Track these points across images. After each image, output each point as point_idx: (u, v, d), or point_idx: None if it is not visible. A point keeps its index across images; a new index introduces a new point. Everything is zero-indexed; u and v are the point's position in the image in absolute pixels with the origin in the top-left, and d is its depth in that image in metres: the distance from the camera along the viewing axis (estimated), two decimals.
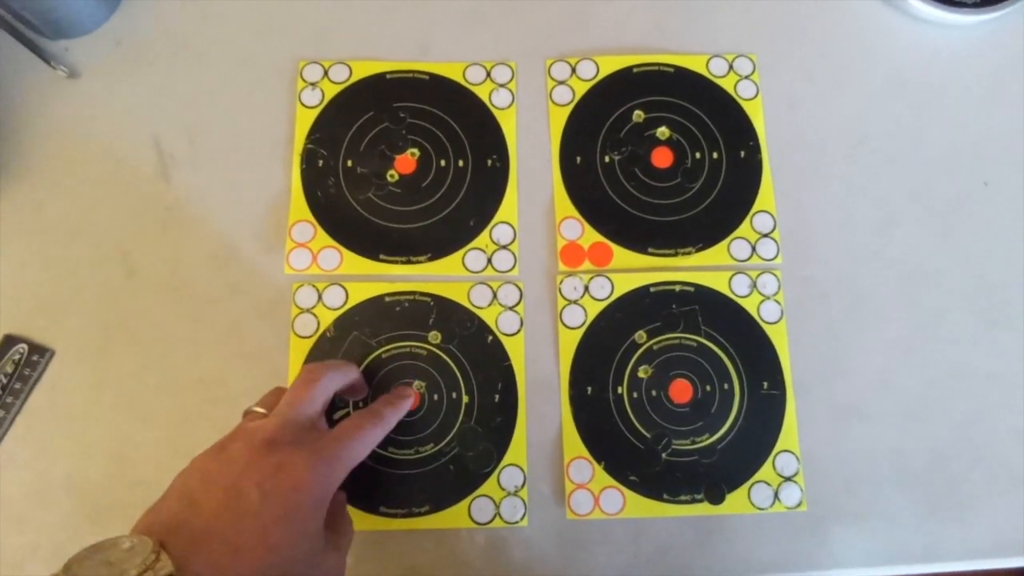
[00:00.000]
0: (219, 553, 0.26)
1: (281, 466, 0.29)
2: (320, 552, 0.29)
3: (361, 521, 0.37)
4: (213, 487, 0.28)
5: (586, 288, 0.41)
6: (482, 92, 0.44)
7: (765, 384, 0.40)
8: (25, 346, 0.39)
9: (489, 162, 0.43)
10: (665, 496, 0.38)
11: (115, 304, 0.40)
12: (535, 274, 0.41)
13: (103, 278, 0.41)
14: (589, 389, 0.40)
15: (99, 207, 0.42)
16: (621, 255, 0.41)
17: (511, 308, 0.40)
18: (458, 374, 0.39)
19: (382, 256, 0.41)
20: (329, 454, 0.30)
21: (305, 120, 0.43)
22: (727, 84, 0.44)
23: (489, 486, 0.38)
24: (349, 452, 0.31)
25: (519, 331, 0.40)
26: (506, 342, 0.40)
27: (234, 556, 0.26)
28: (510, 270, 0.41)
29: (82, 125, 0.43)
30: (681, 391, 0.40)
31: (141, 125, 0.43)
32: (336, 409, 0.39)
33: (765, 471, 0.39)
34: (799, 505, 0.38)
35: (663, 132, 0.43)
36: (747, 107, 0.44)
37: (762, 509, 0.38)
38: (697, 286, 0.41)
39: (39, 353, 0.39)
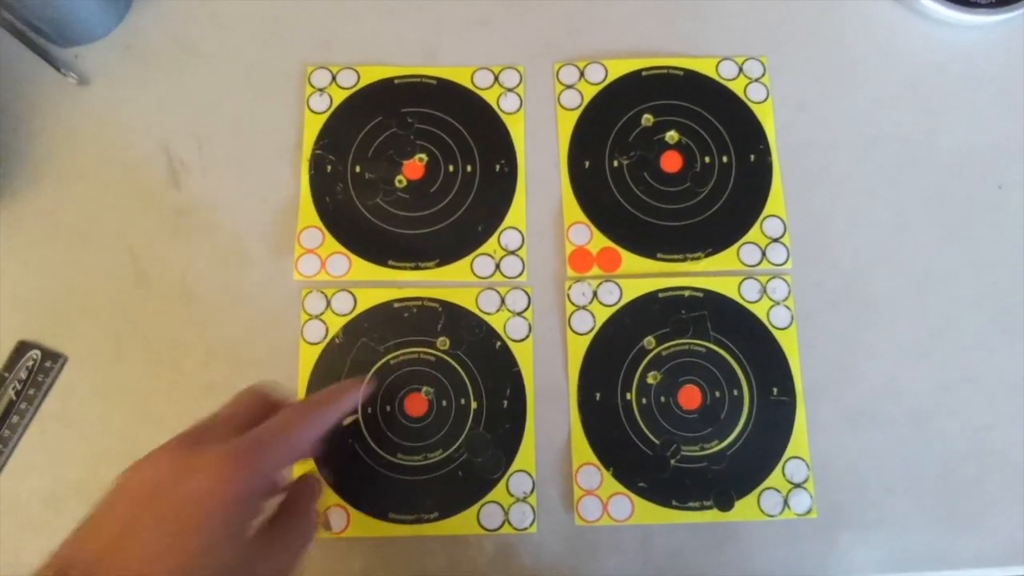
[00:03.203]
0: (132, 568, 0.25)
1: (188, 472, 0.27)
2: (254, 558, 0.28)
3: (370, 527, 0.38)
4: (111, 509, 0.27)
5: (595, 294, 0.41)
6: (490, 96, 0.44)
7: (775, 390, 0.40)
8: (38, 352, 0.39)
9: (497, 167, 0.43)
10: (674, 503, 0.38)
11: (126, 310, 0.41)
12: (543, 280, 0.41)
13: (114, 284, 0.41)
14: (598, 395, 0.39)
15: (110, 213, 0.42)
16: (630, 260, 0.41)
17: (519, 314, 0.40)
18: (466, 380, 0.40)
19: (390, 262, 0.41)
20: (249, 455, 0.28)
21: (313, 126, 0.43)
22: (737, 87, 0.44)
23: (498, 492, 0.38)
24: (274, 451, 0.29)
25: (527, 337, 0.40)
26: (514, 348, 0.40)
27: (149, 566, 0.25)
28: (518, 276, 0.41)
29: (92, 131, 0.43)
30: (690, 397, 0.39)
31: (151, 131, 0.43)
32: None
33: (775, 478, 0.38)
34: (809, 512, 0.38)
35: (672, 136, 0.43)
36: (757, 110, 0.43)
37: (772, 516, 0.38)
38: (706, 291, 0.41)
39: (52, 359, 0.39)
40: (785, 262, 0.41)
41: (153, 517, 0.26)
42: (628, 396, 0.39)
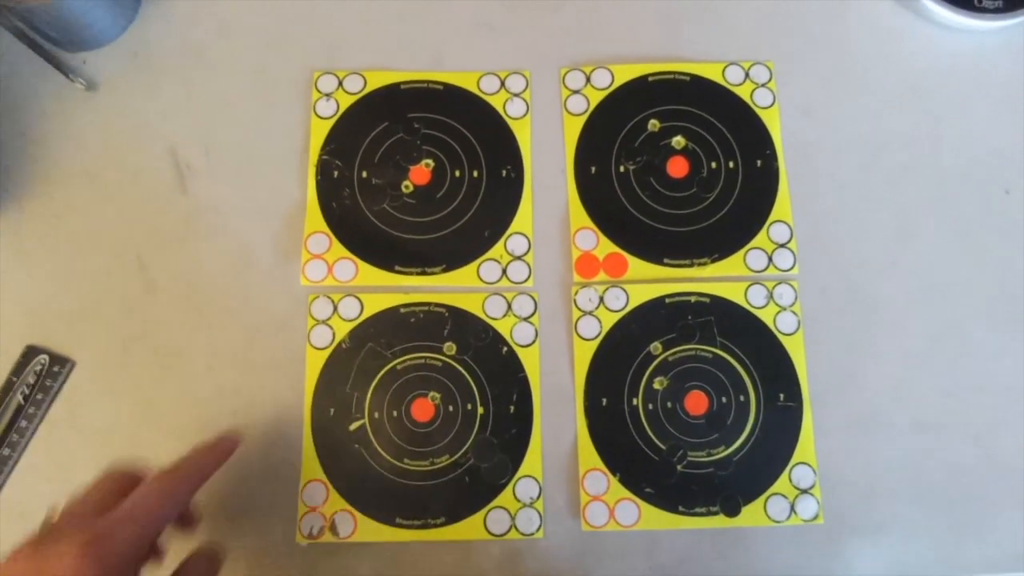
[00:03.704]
0: None
1: (49, 569, 0.27)
2: None
3: (376, 532, 0.38)
4: None
5: (601, 299, 0.41)
6: (496, 102, 0.44)
7: (781, 396, 0.40)
8: (46, 357, 0.40)
9: (504, 172, 0.43)
10: (681, 508, 0.38)
11: (134, 315, 0.41)
12: (550, 285, 0.41)
13: (122, 289, 0.41)
14: (604, 400, 0.39)
15: (117, 218, 0.42)
16: (636, 266, 0.41)
17: (526, 319, 0.40)
18: (473, 385, 0.40)
19: (397, 267, 0.41)
20: (100, 542, 0.28)
21: (320, 131, 0.43)
22: (743, 92, 0.44)
23: (504, 498, 0.38)
24: (128, 534, 0.29)
25: (534, 342, 0.40)
26: (521, 353, 0.40)
27: None
28: (525, 281, 0.41)
29: (100, 137, 0.43)
30: (697, 403, 0.39)
31: (158, 136, 0.43)
32: None
33: (781, 483, 0.38)
34: (816, 518, 0.38)
35: (679, 141, 0.43)
36: (764, 115, 0.43)
37: (778, 522, 0.38)
38: (713, 297, 0.41)
39: (60, 364, 0.40)
40: (792, 268, 0.41)
41: None
42: (635, 402, 0.39)
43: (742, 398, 0.39)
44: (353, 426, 0.39)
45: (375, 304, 0.41)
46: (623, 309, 0.41)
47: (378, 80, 0.44)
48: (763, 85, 0.44)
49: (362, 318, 0.40)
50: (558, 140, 0.43)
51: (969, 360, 0.40)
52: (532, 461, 0.39)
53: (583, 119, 0.43)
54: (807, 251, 0.42)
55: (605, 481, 0.38)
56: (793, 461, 0.39)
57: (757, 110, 0.44)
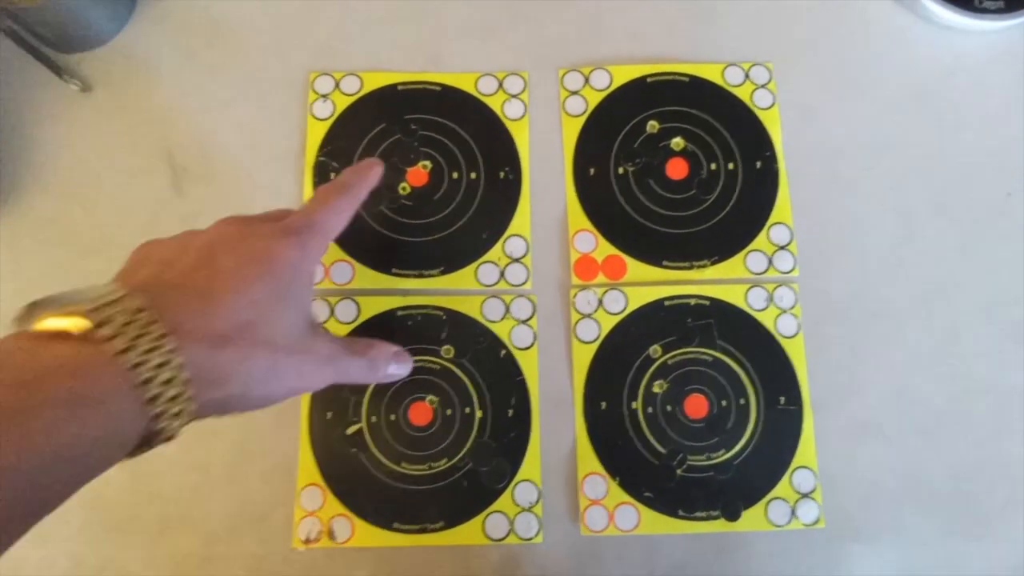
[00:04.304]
0: (193, 300, 0.25)
1: (252, 234, 0.28)
2: (305, 331, 0.29)
3: (374, 537, 0.37)
4: (184, 251, 0.27)
5: (600, 302, 0.40)
6: (494, 103, 0.43)
7: (782, 399, 0.39)
8: None
9: (502, 174, 0.42)
10: (681, 513, 0.38)
11: None
12: (548, 288, 0.41)
13: None
14: (603, 404, 0.39)
15: (113, 221, 0.42)
16: (635, 268, 0.41)
17: (524, 322, 0.40)
18: (471, 389, 0.39)
19: (394, 270, 0.41)
20: (298, 224, 0.30)
21: (316, 132, 0.43)
22: (743, 93, 0.43)
23: (503, 502, 0.38)
24: (320, 220, 0.31)
25: (532, 345, 0.40)
26: (519, 356, 0.40)
27: (208, 303, 0.26)
28: (523, 284, 0.41)
29: (95, 139, 0.43)
30: (696, 406, 0.39)
31: (154, 138, 0.43)
32: None
33: (782, 488, 0.38)
34: (817, 522, 0.38)
35: (678, 143, 0.43)
36: (763, 117, 0.43)
37: (779, 526, 0.38)
38: (712, 300, 0.40)
39: None
40: (792, 270, 0.41)
41: (232, 258, 0.27)
42: (634, 405, 0.39)
43: (742, 401, 0.39)
44: (350, 430, 0.39)
45: (372, 307, 0.40)
46: (622, 312, 0.40)
47: (375, 81, 0.44)
48: (763, 86, 0.44)
49: (359, 321, 0.40)
50: (556, 142, 0.43)
51: (971, 363, 0.40)
52: (531, 465, 0.38)
53: (582, 120, 0.43)
54: (807, 253, 0.41)
55: (604, 485, 0.38)
56: (794, 465, 0.38)
57: (757, 111, 0.43)
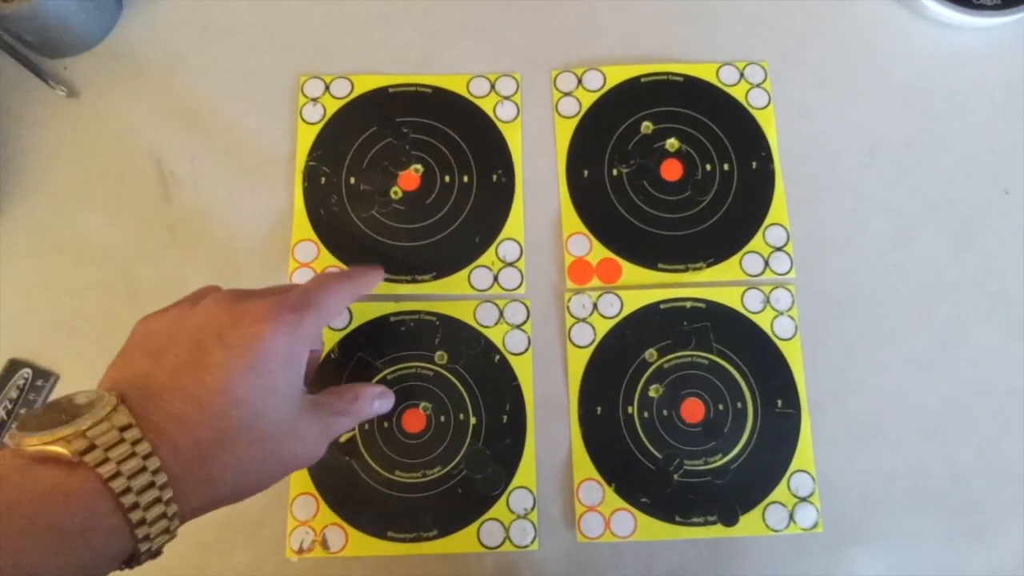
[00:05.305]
0: (180, 406, 0.26)
1: (244, 315, 0.28)
2: (295, 416, 0.29)
3: (368, 546, 0.37)
4: (175, 341, 0.28)
5: (595, 305, 0.40)
6: (486, 105, 0.43)
7: (779, 402, 0.39)
8: (29, 371, 0.39)
9: (494, 177, 0.42)
10: (677, 518, 0.37)
11: (119, 327, 0.39)
12: (542, 292, 0.40)
13: (107, 300, 0.40)
14: (599, 409, 0.39)
15: (101, 228, 0.41)
16: (630, 271, 0.40)
17: (518, 327, 0.40)
18: (465, 395, 0.39)
19: (386, 275, 0.40)
20: (295, 301, 0.29)
21: (307, 136, 0.42)
22: (738, 93, 0.43)
23: (498, 509, 0.37)
24: (317, 299, 0.30)
25: (527, 350, 0.39)
26: (513, 362, 0.39)
27: (197, 408, 0.26)
28: (517, 288, 0.40)
29: (82, 145, 0.42)
30: (693, 410, 0.39)
31: (142, 144, 0.42)
32: None
33: (780, 492, 0.38)
34: (815, 526, 0.37)
35: (672, 144, 0.42)
36: (759, 116, 0.43)
37: (777, 531, 0.37)
38: (708, 302, 0.40)
39: (43, 378, 0.39)
40: (788, 271, 0.40)
41: (221, 352, 0.27)
42: (630, 410, 0.39)
43: (739, 405, 0.39)
44: (343, 438, 0.38)
45: (364, 313, 0.40)
46: (617, 315, 0.40)
47: (366, 84, 0.43)
48: (758, 85, 0.43)
49: (351, 327, 0.40)
50: (549, 143, 0.43)
51: (970, 363, 0.40)
52: (526, 472, 0.38)
53: (575, 122, 0.43)
54: (804, 254, 0.41)
55: (600, 491, 0.38)
56: (792, 469, 0.38)
57: (752, 111, 0.43)
